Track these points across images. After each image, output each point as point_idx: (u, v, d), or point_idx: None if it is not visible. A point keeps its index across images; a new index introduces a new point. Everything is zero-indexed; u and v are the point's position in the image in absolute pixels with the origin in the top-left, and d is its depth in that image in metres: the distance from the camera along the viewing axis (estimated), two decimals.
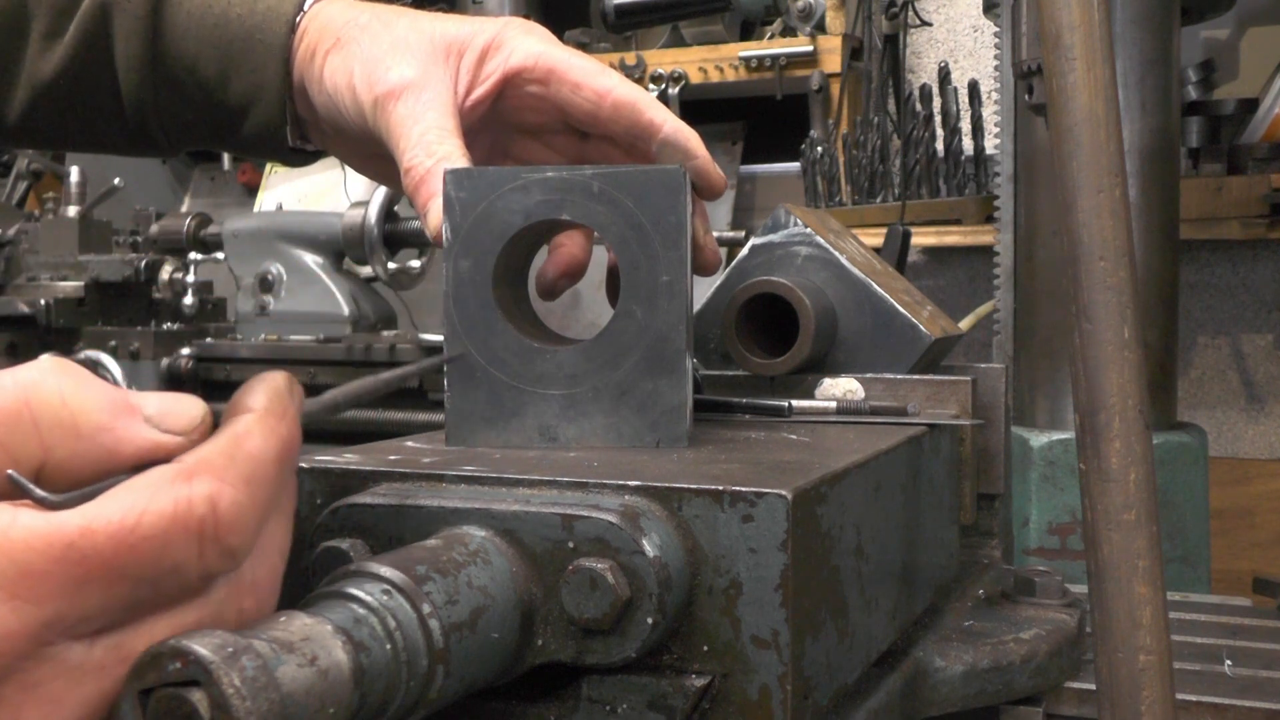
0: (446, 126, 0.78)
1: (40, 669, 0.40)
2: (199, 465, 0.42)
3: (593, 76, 0.80)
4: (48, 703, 0.40)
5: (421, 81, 0.79)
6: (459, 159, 0.76)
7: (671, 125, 0.79)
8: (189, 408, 0.45)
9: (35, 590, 0.39)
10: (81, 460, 0.42)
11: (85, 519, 0.40)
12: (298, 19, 0.86)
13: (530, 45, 0.81)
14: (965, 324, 2.22)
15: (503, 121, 0.85)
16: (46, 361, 0.44)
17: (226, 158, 3.89)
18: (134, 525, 0.40)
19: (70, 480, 0.42)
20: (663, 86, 3.02)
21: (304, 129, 0.90)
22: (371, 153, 0.85)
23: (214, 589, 0.43)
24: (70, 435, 0.42)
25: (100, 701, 0.41)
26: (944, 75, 2.61)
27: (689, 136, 0.79)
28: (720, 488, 0.56)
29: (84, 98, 0.93)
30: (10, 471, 0.41)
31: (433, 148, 0.77)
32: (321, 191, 3.45)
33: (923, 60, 3.05)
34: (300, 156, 0.92)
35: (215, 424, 0.46)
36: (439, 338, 2.10)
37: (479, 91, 0.81)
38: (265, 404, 0.46)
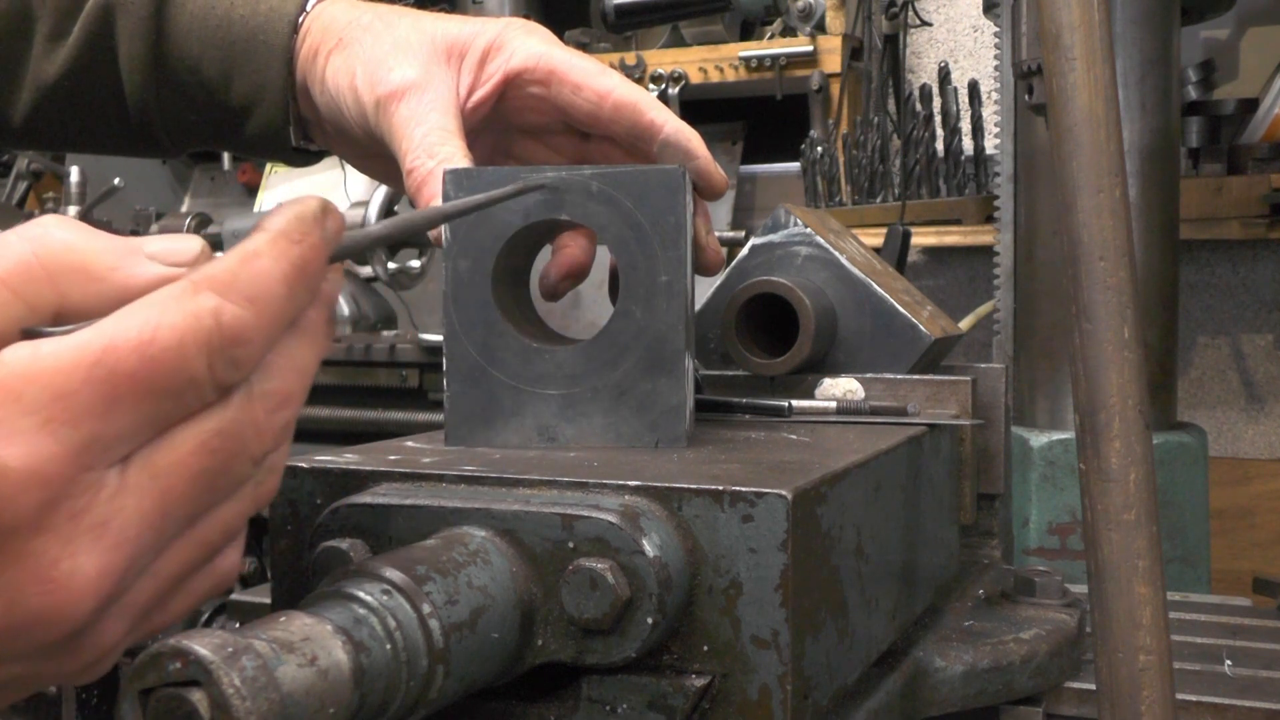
0: (449, 128, 0.78)
1: (84, 496, 0.41)
2: (204, 281, 0.44)
3: (594, 77, 0.80)
4: (94, 529, 0.42)
5: (423, 82, 0.79)
6: (461, 160, 0.76)
7: (672, 126, 0.79)
8: (188, 242, 0.47)
9: (69, 411, 0.40)
10: (95, 301, 0.44)
11: (106, 337, 0.41)
12: (300, 19, 0.86)
13: (531, 46, 0.81)
14: (965, 324, 2.22)
15: (504, 122, 0.85)
16: (49, 218, 0.45)
17: (226, 158, 3.89)
18: (151, 338, 0.42)
19: (87, 319, 0.44)
20: (663, 86, 3.01)
21: (307, 129, 0.90)
22: (373, 152, 0.85)
23: (230, 400, 0.45)
24: (82, 278, 0.44)
25: (140, 523, 0.43)
26: (944, 75, 2.61)
27: (690, 137, 0.80)
28: (720, 488, 0.56)
29: (87, 99, 0.93)
30: (24, 330, 0.42)
31: (435, 149, 0.77)
32: (321, 191, 3.44)
33: (923, 60, 3.05)
34: (303, 156, 0.92)
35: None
36: (439, 338, 2.11)
37: (480, 92, 0.81)
38: (282, 226, 0.46)
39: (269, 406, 0.46)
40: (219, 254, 0.46)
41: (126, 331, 0.42)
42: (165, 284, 0.44)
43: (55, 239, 0.44)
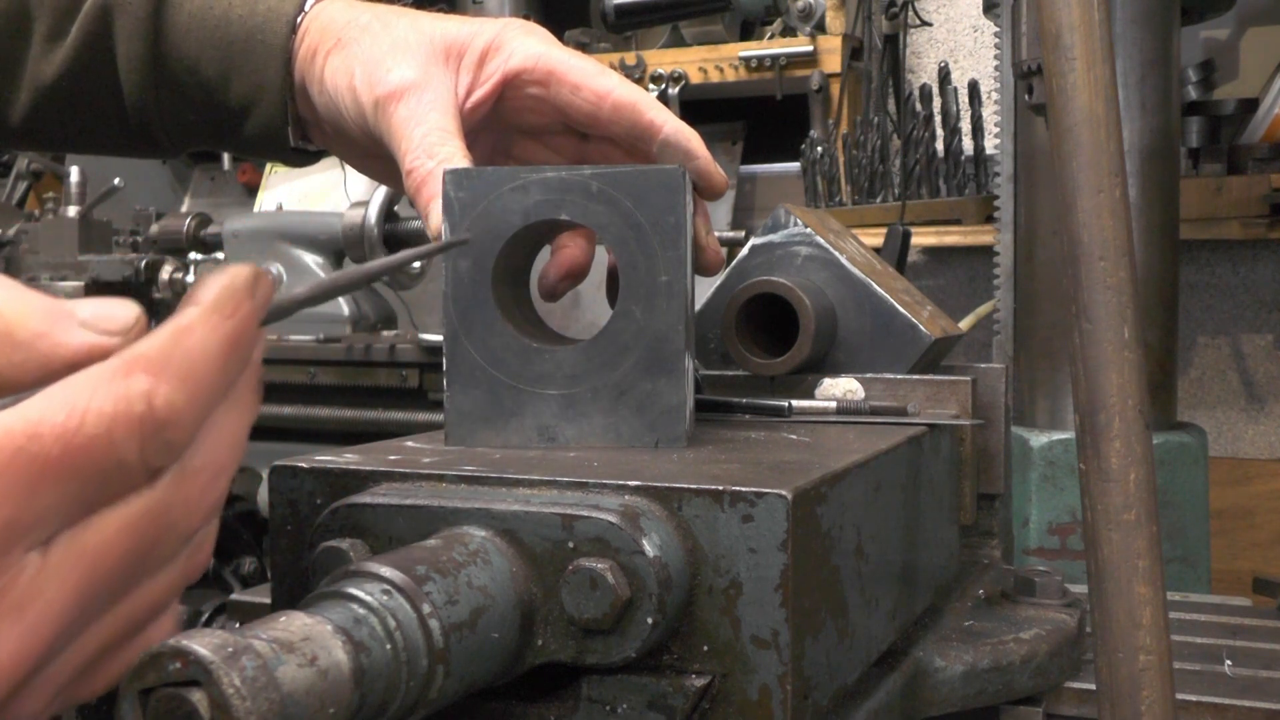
0: (448, 128, 0.78)
1: (3, 576, 0.40)
2: (135, 361, 0.42)
3: (592, 78, 0.80)
4: (11, 612, 0.40)
5: (422, 83, 0.79)
6: (460, 160, 0.76)
7: (672, 126, 0.79)
8: (123, 310, 0.45)
9: None
10: (20, 369, 0.42)
11: (30, 421, 0.40)
12: (298, 19, 0.86)
13: (530, 46, 0.81)
14: (965, 324, 2.22)
15: (503, 123, 0.85)
16: None
17: (226, 158, 3.89)
18: (79, 424, 0.40)
19: (10, 388, 0.42)
20: (663, 86, 3.02)
21: (305, 129, 0.90)
22: (372, 153, 0.85)
23: (159, 480, 0.43)
24: (6, 344, 0.42)
25: (61, 605, 0.42)
26: (944, 75, 2.61)
27: (689, 137, 0.79)
28: (720, 488, 0.56)
29: (86, 99, 0.93)
30: None
31: (434, 149, 0.77)
32: (321, 191, 3.45)
33: (923, 60, 3.05)
34: (302, 156, 0.92)
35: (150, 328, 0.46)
36: (439, 338, 2.10)
37: (479, 93, 0.81)
38: (213, 299, 0.45)
39: (201, 483, 0.45)
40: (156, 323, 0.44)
41: (53, 415, 0.40)
42: (95, 353, 0.43)
43: None
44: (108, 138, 0.96)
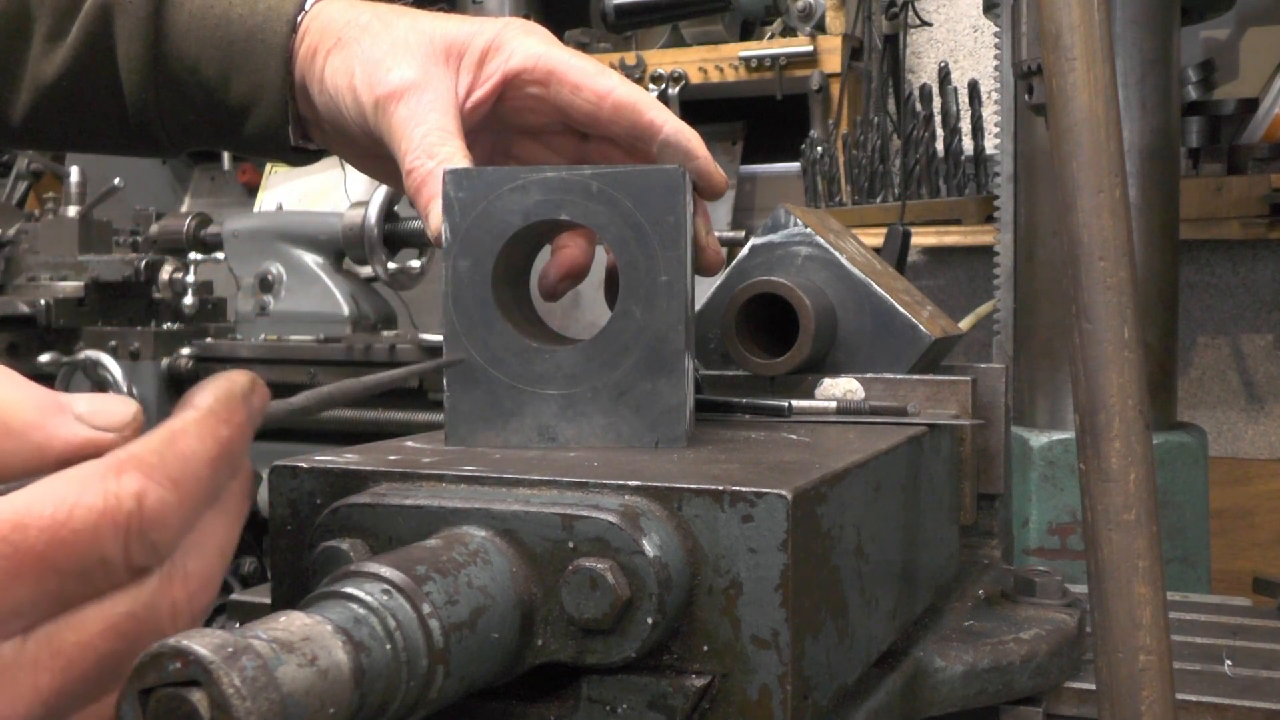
0: (448, 128, 0.78)
1: None
2: (128, 461, 0.42)
3: (593, 78, 0.80)
4: None
5: (422, 83, 0.79)
6: (461, 160, 0.76)
7: (672, 126, 0.79)
8: (120, 406, 0.45)
9: None
10: (12, 458, 0.43)
11: (17, 513, 0.40)
12: (299, 18, 0.86)
13: (530, 46, 0.81)
14: (965, 324, 2.22)
15: (503, 122, 0.85)
16: None
17: (226, 158, 3.89)
18: (65, 519, 0.40)
19: (1, 478, 0.42)
20: (663, 86, 3.02)
21: (305, 128, 0.90)
22: (372, 152, 0.85)
23: (145, 581, 0.43)
24: (1, 434, 0.42)
25: (35, 698, 0.41)
26: (944, 75, 2.61)
27: (690, 137, 0.79)
28: (720, 488, 0.56)
29: (86, 99, 0.93)
30: None
31: (434, 149, 0.77)
32: (321, 191, 3.45)
33: (923, 60, 3.05)
34: (302, 155, 0.92)
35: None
36: (439, 338, 2.11)
37: (479, 93, 0.81)
38: (210, 404, 0.46)
39: (190, 588, 0.45)
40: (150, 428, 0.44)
41: (40, 508, 0.40)
42: (89, 448, 0.43)
43: None
44: (108, 137, 0.96)
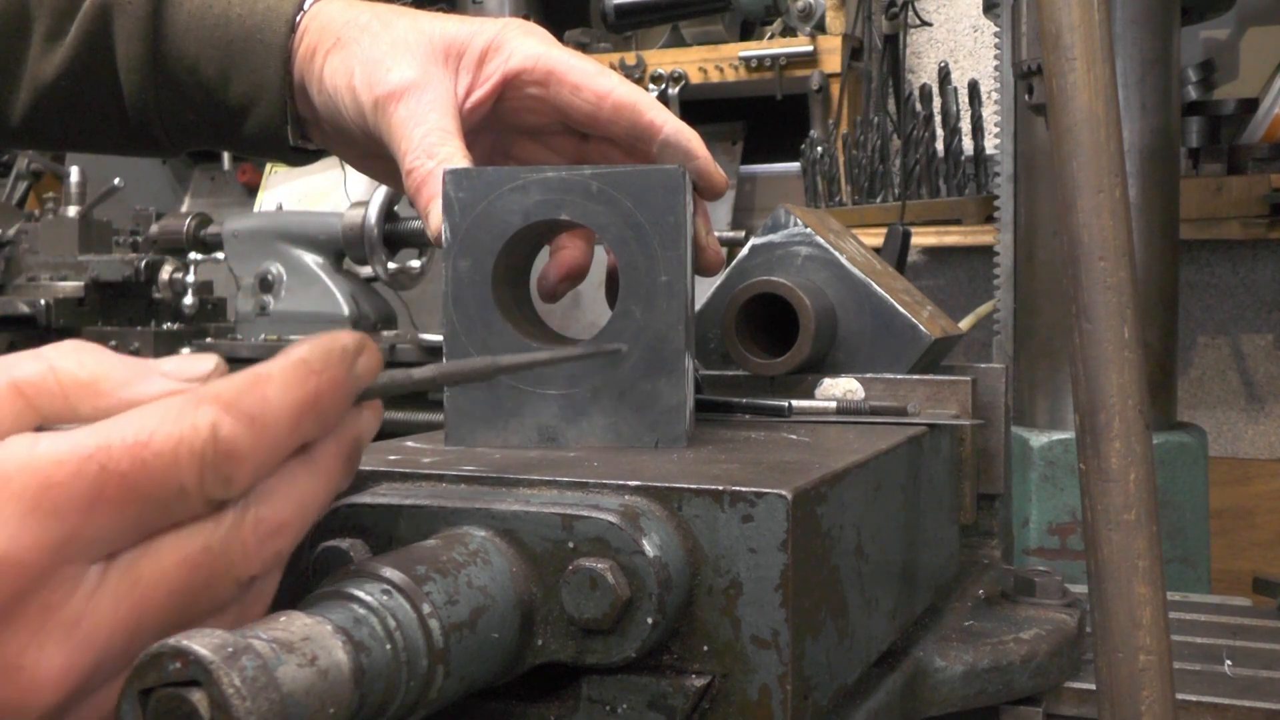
0: (448, 128, 0.78)
1: (60, 589, 0.41)
2: (206, 394, 0.44)
3: (592, 78, 0.80)
4: (65, 625, 0.41)
5: (422, 82, 0.79)
6: (460, 160, 0.76)
7: (672, 126, 0.79)
8: (204, 360, 0.47)
9: (55, 502, 0.40)
10: (104, 415, 0.44)
11: (102, 436, 0.42)
12: (298, 18, 0.86)
13: (529, 47, 0.81)
14: (965, 324, 2.22)
15: (503, 123, 0.85)
16: (68, 342, 0.46)
17: (226, 158, 3.89)
18: (146, 441, 0.42)
19: None
20: (663, 86, 3.02)
21: (305, 128, 0.90)
22: (372, 152, 0.85)
23: (221, 517, 0.44)
24: (92, 394, 0.45)
25: (113, 626, 0.42)
26: (944, 75, 2.61)
27: (689, 137, 0.79)
28: (720, 488, 0.56)
29: (85, 99, 0.93)
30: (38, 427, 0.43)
31: (434, 149, 0.77)
32: (321, 191, 3.45)
33: (923, 60, 3.06)
34: (301, 155, 0.92)
35: None
36: (439, 338, 2.11)
37: (479, 93, 0.81)
38: (304, 354, 0.46)
39: (261, 532, 0.46)
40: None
41: (123, 433, 0.42)
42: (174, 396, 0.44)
43: (71, 359, 0.45)
44: (107, 137, 0.96)
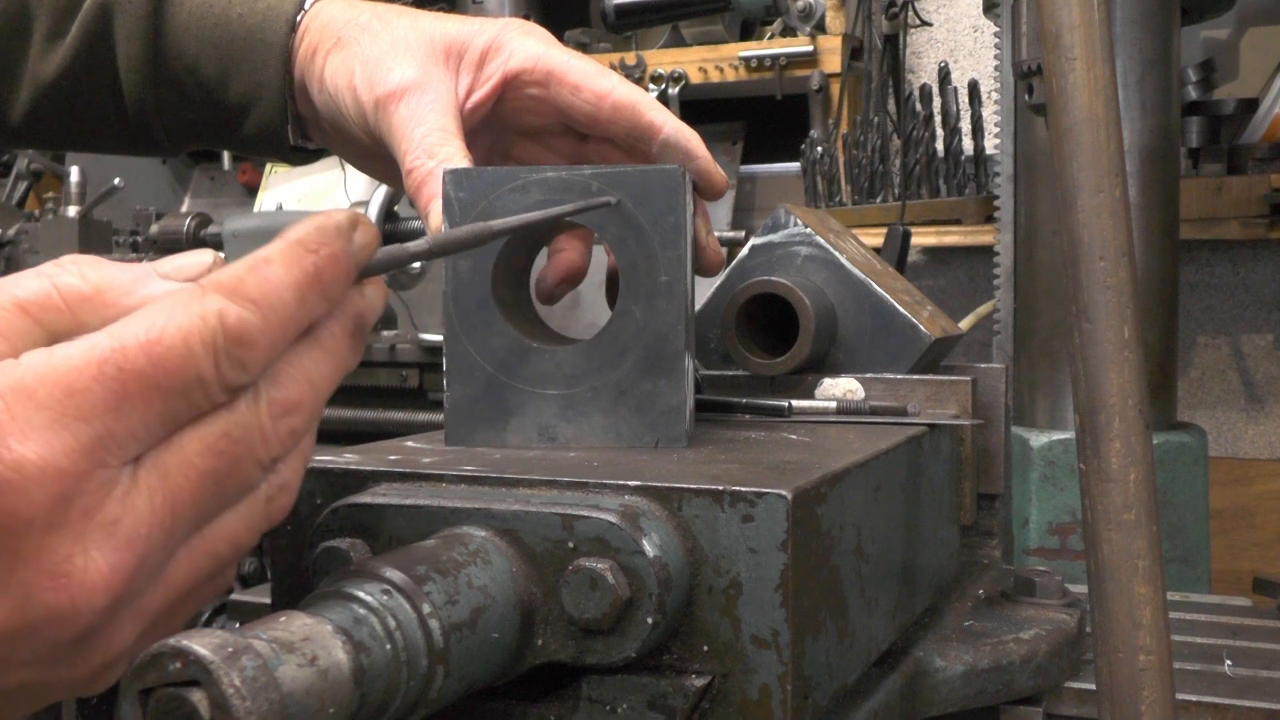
0: (448, 128, 0.78)
1: (96, 493, 0.42)
2: (210, 284, 0.45)
3: (592, 78, 0.80)
4: (106, 526, 0.42)
5: (422, 83, 0.79)
6: (461, 160, 0.76)
7: (672, 126, 0.79)
8: (199, 256, 0.48)
9: (81, 407, 0.41)
10: (112, 321, 0.45)
11: (115, 338, 0.43)
12: (298, 18, 0.86)
13: (530, 47, 0.81)
14: (965, 324, 2.22)
15: (503, 123, 0.85)
16: (65, 257, 0.47)
17: (226, 158, 3.89)
18: (159, 337, 0.43)
19: None
20: (663, 86, 3.01)
21: (305, 127, 0.90)
22: (372, 152, 0.85)
23: (236, 403, 0.45)
24: (97, 305, 0.46)
25: (150, 522, 0.43)
26: (944, 75, 2.61)
27: (689, 137, 0.79)
28: (720, 488, 0.56)
29: (86, 98, 0.93)
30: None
31: (435, 150, 0.77)
32: (321, 191, 3.44)
33: (923, 60, 3.05)
34: (302, 155, 0.92)
35: None
36: (439, 338, 2.10)
37: (479, 93, 0.81)
38: (300, 235, 0.47)
39: (275, 412, 0.47)
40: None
41: (135, 332, 0.43)
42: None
43: (71, 272, 0.46)
44: (108, 136, 0.96)
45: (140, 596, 0.44)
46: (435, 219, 0.73)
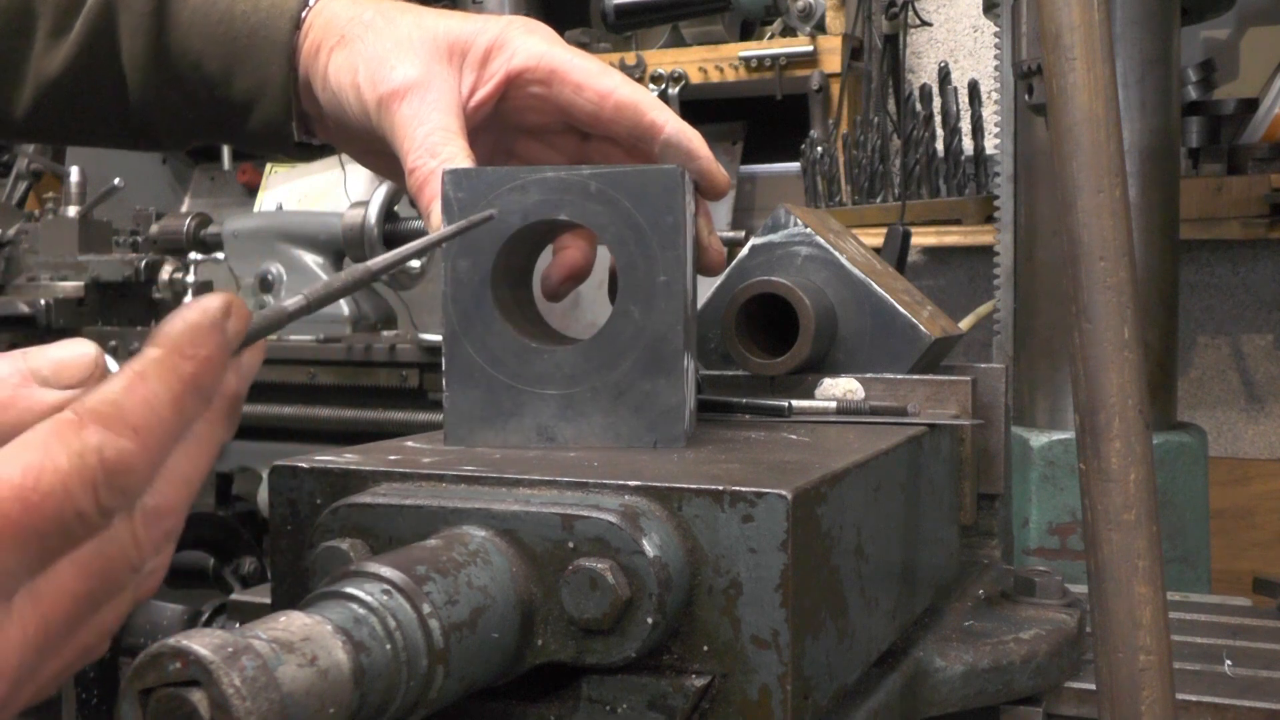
0: (451, 127, 0.78)
1: None
2: (88, 415, 0.43)
3: (595, 77, 0.80)
4: None
5: (425, 81, 0.79)
6: (463, 160, 0.76)
7: (674, 126, 0.79)
8: (79, 359, 0.47)
9: None
10: None
11: None
12: (302, 14, 0.86)
13: (533, 45, 0.81)
14: (965, 324, 2.22)
15: (505, 121, 0.85)
16: None
17: (226, 158, 3.89)
18: (35, 484, 0.41)
19: None
20: (663, 86, 3.01)
21: (309, 124, 0.90)
22: (376, 149, 0.85)
23: (112, 522, 0.44)
24: None
25: (23, 649, 0.43)
26: (944, 75, 2.61)
27: (691, 137, 0.79)
28: (720, 488, 0.56)
29: (89, 94, 0.93)
30: None
31: (437, 149, 0.77)
32: (321, 191, 3.44)
33: (923, 60, 3.05)
34: (306, 151, 0.92)
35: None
36: (439, 338, 2.11)
37: (482, 92, 0.81)
38: (175, 340, 0.46)
39: (149, 520, 0.46)
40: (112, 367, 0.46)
41: (9, 478, 0.41)
42: (60, 409, 0.44)
43: None
44: (111, 132, 0.96)
45: (8, 705, 0.44)
46: (436, 219, 0.73)
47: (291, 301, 0.52)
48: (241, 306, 0.48)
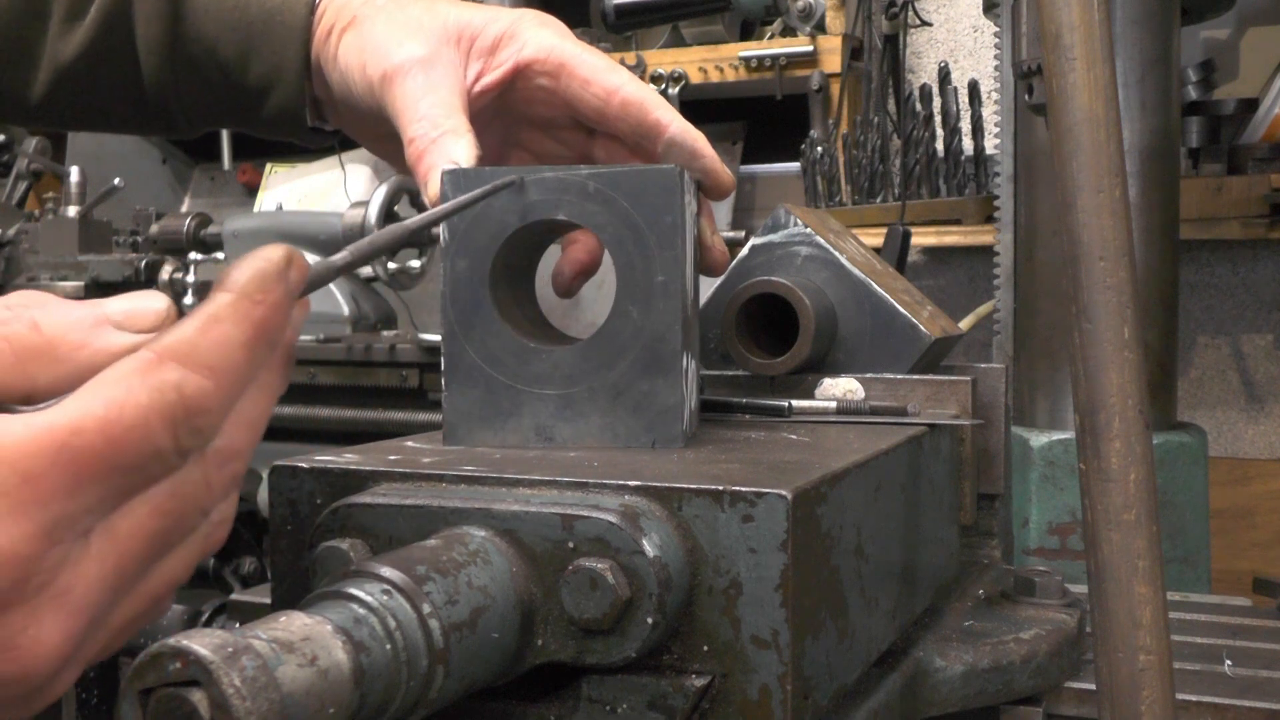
0: (453, 104, 0.78)
1: (52, 570, 0.42)
2: (166, 352, 0.44)
3: (602, 73, 0.80)
4: (57, 597, 0.43)
5: (430, 59, 0.80)
6: (464, 133, 0.76)
7: (678, 125, 0.79)
8: (152, 304, 0.47)
9: (38, 493, 0.41)
10: (64, 381, 0.45)
11: (73, 418, 0.42)
12: (317, 0, 0.87)
13: (544, 38, 0.81)
14: (965, 324, 2.21)
15: (512, 113, 0.85)
16: (15, 296, 0.46)
17: (226, 158, 3.89)
18: (118, 417, 0.42)
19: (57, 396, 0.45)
20: (663, 86, 3.01)
21: (321, 109, 0.90)
22: (383, 133, 0.85)
23: (185, 462, 0.45)
24: (49, 361, 0.45)
25: (100, 587, 0.44)
26: (944, 75, 2.61)
27: (695, 137, 0.79)
28: (720, 488, 0.56)
29: (105, 79, 0.94)
30: None
31: (439, 121, 0.77)
32: (321, 191, 3.45)
33: (923, 60, 3.05)
34: (319, 136, 0.93)
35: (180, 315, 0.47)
36: (439, 337, 2.11)
37: (489, 79, 0.81)
38: (244, 285, 0.47)
39: (219, 462, 0.47)
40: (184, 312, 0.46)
41: (92, 411, 0.42)
42: (131, 351, 0.45)
43: (22, 321, 0.45)
44: (125, 118, 0.97)
45: (84, 646, 0.45)
46: (434, 187, 0.73)
47: (338, 256, 0.54)
48: (300, 257, 0.49)
